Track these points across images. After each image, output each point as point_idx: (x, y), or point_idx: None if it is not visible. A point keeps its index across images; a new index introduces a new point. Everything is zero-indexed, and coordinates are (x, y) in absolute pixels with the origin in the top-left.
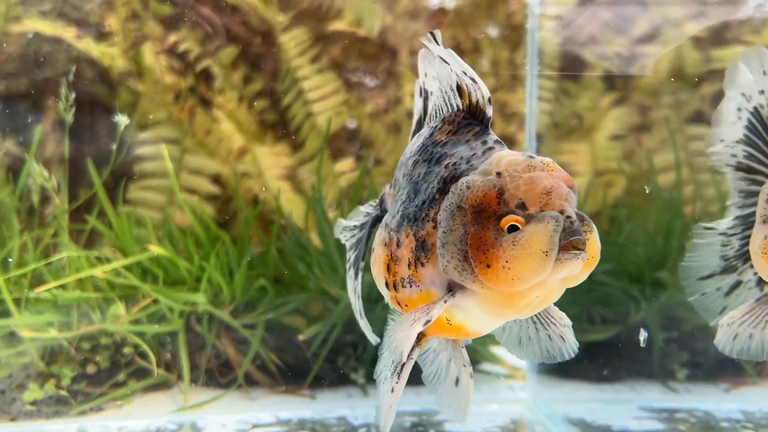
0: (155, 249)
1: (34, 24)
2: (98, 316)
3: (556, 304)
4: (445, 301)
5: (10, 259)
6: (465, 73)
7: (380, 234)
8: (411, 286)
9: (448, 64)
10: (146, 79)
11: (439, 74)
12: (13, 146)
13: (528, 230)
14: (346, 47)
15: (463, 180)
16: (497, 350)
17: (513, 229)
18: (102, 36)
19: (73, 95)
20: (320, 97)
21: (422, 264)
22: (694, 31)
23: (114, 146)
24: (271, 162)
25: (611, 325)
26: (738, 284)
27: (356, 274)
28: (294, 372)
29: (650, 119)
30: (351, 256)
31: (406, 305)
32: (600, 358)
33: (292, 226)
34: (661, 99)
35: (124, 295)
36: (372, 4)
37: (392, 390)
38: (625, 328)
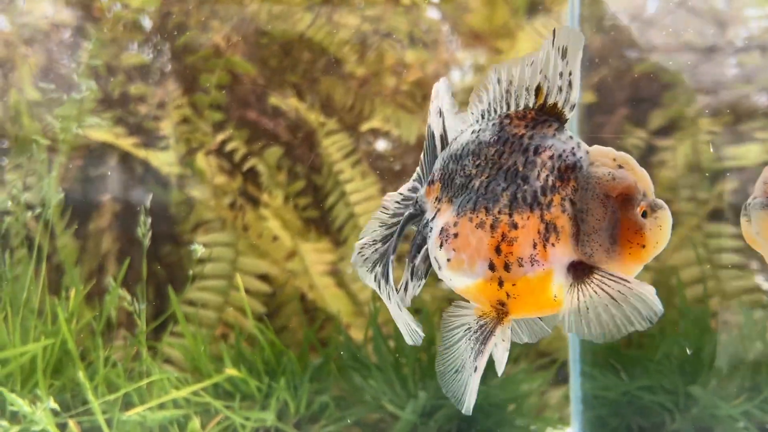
0: (231, 371)
1: (98, 134)
2: (176, 431)
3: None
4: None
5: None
6: (570, 74)
7: (471, 218)
8: (532, 265)
9: (565, 57)
10: (200, 182)
11: (513, 76)
12: (69, 239)
13: (662, 214)
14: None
15: (605, 171)
16: None
17: (643, 214)
18: (156, 140)
19: (149, 220)
20: (362, 199)
21: (552, 244)
22: (708, 126)
23: (190, 272)
24: (315, 258)
25: None
26: None
27: (387, 273)
28: None
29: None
30: (382, 267)
31: (514, 284)
32: None
33: (348, 341)
34: (679, 193)
35: (199, 410)
36: (407, 114)
37: (476, 369)
38: None
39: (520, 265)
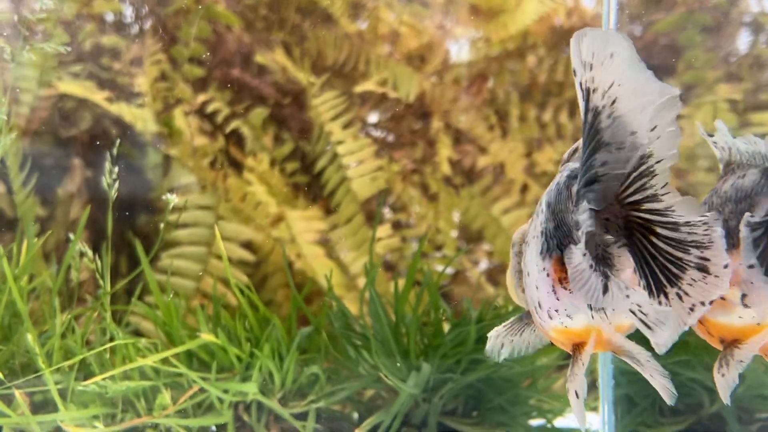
0: (207, 337)
1: (66, 86)
2: (143, 405)
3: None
4: None
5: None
6: None
7: None
8: None
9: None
10: (177, 142)
11: None
12: (38, 208)
13: None
14: (376, 106)
15: None
16: None
17: None
18: (131, 96)
19: (116, 169)
20: (354, 163)
21: None
22: (728, 93)
23: (162, 225)
24: (303, 227)
25: (683, 416)
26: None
27: None
28: None
29: (687, 182)
30: None
31: None
32: None
33: (341, 307)
34: (697, 163)
35: (169, 382)
36: (406, 68)
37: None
38: (698, 420)
39: None
